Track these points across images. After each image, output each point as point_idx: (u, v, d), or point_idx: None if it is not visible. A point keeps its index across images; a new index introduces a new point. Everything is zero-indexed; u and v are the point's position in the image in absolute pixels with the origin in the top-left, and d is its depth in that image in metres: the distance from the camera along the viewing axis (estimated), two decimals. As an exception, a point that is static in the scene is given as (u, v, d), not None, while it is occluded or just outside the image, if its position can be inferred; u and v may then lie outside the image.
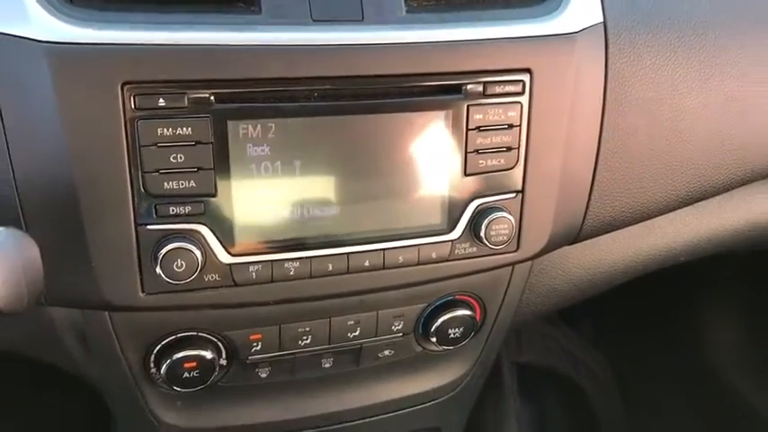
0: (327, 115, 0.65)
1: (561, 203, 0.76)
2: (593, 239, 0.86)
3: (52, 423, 1.35)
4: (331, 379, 0.87)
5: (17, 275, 0.52)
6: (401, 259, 0.72)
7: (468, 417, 1.09)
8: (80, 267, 0.63)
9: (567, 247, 0.85)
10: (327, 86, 0.64)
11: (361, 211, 0.69)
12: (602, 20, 0.74)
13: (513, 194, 0.73)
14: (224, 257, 0.66)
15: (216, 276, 0.66)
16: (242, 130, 0.63)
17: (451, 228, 0.72)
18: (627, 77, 0.76)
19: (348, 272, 0.70)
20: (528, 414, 1.55)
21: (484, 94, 0.69)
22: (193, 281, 0.65)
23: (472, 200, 0.72)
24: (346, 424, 0.91)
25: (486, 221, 0.72)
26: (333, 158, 0.67)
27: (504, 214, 0.72)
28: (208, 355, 0.75)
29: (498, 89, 0.69)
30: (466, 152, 0.70)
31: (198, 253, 0.64)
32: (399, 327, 0.82)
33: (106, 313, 0.72)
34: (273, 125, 0.64)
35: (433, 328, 0.82)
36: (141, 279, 0.65)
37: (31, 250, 0.55)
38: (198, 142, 0.62)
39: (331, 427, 0.91)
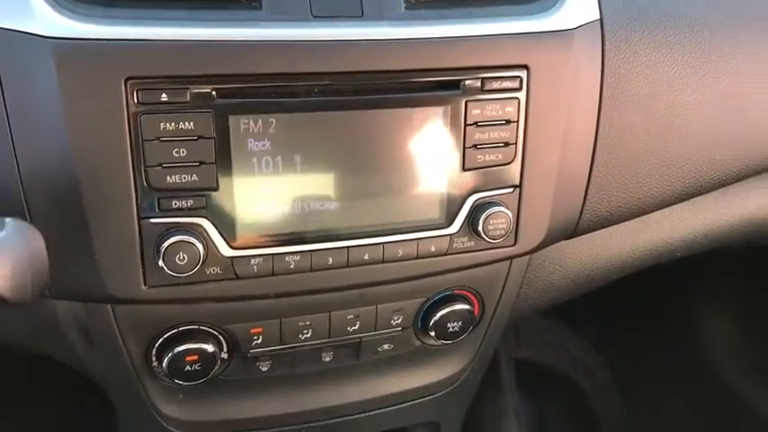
0: (327, 110, 0.66)
1: (558, 198, 0.77)
2: (590, 235, 0.87)
3: (54, 419, 1.36)
4: (331, 373, 0.88)
5: (23, 266, 0.52)
6: (400, 253, 0.73)
7: (467, 411, 1.10)
8: (83, 260, 0.64)
9: (564, 243, 0.86)
10: (327, 82, 0.65)
11: (360, 206, 0.70)
12: (598, 17, 0.75)
13: (511, 189, 0.74)
14: (225, 251, 0.67)
15: (217, 269, 0.67)
16: (243, 125, 0.64)
17: (450, 222, 0.73)
18: (623, 74, 0.77)
19: (348, 265, 0.71)
20: (527, 411, 1.55)
21: (482, 90, 0.69)
22: (195, 274, 0.65)
23: (470, 194, 0.73)
24: (346, 417, 0.92)
25: (483, 216, 0.72)
26: (333, 153, 0.68)
27: (502, 209, 0.73)
28: (209, 348, 0.75)
29: (496, 85, 0.70)
30: (464, 147, 0.71)
31: (200, 246, 0.65)
32: (398, 321, 0.83)
33: (109, 306, 0.72)
34: (274, 120, 0.64)
35: (432, 322, 0.83)
36: (144, 272, 0.65)
37: (37, 241, 0.55)
38: (200, 137, 0.62)
39: (331, 421, 0.91)
